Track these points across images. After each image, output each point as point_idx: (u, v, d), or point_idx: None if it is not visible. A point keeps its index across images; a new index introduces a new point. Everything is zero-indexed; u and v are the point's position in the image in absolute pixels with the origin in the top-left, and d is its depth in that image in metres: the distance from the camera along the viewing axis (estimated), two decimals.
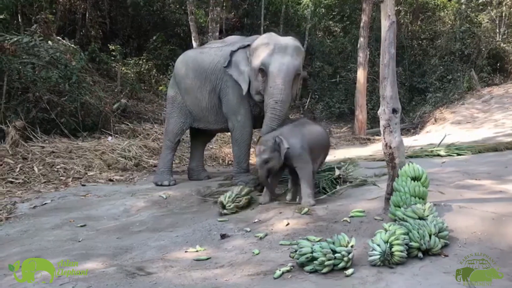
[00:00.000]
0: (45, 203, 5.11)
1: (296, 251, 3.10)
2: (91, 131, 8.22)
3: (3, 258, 3.55)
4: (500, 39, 15.24)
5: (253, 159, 5.32)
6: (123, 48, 12.73)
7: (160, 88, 12.23)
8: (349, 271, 2.95)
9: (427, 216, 3.36)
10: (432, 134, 10.38)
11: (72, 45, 9.72)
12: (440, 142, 7.35)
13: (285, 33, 9.89)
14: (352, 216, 3.84)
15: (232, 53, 5.33)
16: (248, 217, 4.34)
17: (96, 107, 8.61)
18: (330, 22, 17.20)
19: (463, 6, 15.61)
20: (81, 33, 12.49)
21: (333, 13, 17.09)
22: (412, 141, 9.06)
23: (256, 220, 4.16)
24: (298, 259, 3.06)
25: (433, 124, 11.90)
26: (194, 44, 10.56)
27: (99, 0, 13.47)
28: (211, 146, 8.43)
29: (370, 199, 4.26)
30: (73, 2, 12.64)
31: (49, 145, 6.98)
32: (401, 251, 2.99)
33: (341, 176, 5.03)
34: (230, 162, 7.69)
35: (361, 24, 11.67)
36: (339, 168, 5.20)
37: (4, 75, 7.19)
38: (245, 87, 5.19)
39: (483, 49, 14.43)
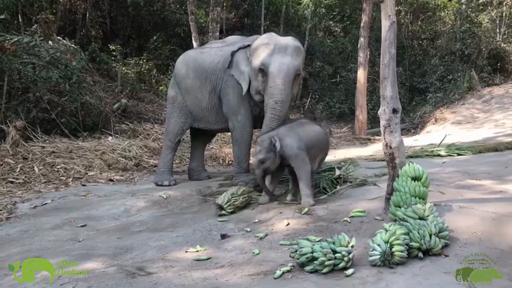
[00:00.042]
0: (45, 203, 5.11)
1: (296, 251, 3.10)
2: (92, 131, 8.22)
3: (4, 258, 3.55)
4: (500, 39, 15.23)
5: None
6: (123, 48, 12.74)
7: (161, 88, 12.23)
8: (350, 271, 2.95)
9: (428, 216, 3.36)
10: (433, 134, 10.38)
11: (73, 45, 9.73)
12: (441, 142, 7.35)
13: (285, 33, 9.89)
14: (352, 216, 3.84)
15: (233, 53, 5.33)
16: (248, 217, 4.34)
17: (96, 107, 8.61)
18: (331, 22, 17.20)
19: (464, 6, 15.60)
20: (82, 33, 12.49)
21: (334, 13, 17.09)
22: (412, 141, 9.07)
23: (256, 220, 4.16)
24: (298, 259, 3.06)
25: (434, 124, 11.90)
26: (195, 44, 10.56)
27: (99, 0, 13.48)
28: (211, 146, 8.43)
29: (370, 199, 4.26)
30: (73, 2, 12.64)
31: (49, 145, 6.98)
32: (402, 251, 2.99)
33: (341, 176, 5.03)
34: (230, 162, 7.69)
35: (362, 24, 11.67)
36: (339, 168, 5.20)
37: (5, 75, 7.19)
38: (245, 86, 5.19)
39: (484, 49, 14.43)
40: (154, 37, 13.25)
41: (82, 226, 4.44)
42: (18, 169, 6.10)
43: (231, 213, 4.45)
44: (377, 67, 11.90)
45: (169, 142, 6.06)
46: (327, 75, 15.09)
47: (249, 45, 5.30)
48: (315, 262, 3.00)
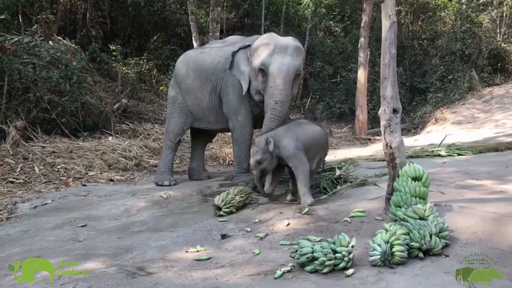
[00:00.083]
0: (45, 203, 5.11)
1: (296, 251, 3.10)
2: (92, 131, 8.22)
3: (4, 258, 3.56)
4: (500, 39, 15.23)
5: None
6: (123, 48, 12.75)
7: (161, 88, 12.24)
8: (350, 271, 2.95)
9: (428, 216, 3.36)
10: (433, 134, 10.38)
11: (73, 45, 9.72)
12: (441, 142, 7.35)
13: (285, 33, 9.90)
14: (352, 216, 3.84)
15: (234, 53, 5.33)
16: (249, 217, 4.34)
17: (96, 107, 8.61)
18: (331, 22, 17.20)
19: (464, 6, 15.59)
20: (82, 33, 12.49)
21: (334, 13, 17.09)
22: (412, 141, 9.07)
23: (256, 220, 4.16)
24: (298, 259, 3.06)
25: (434, 124, 11.90)
26: (195, 44, 10.57)
27: (99, 0, 13.48)
28: (211, 146, 8.43)
29: (370, 199, 4.26)
30: (73, 2, 12.64)
31: (49, 145, 6.98)
32: (402, 251, 2.99)
33: (341, 176, 5.03)
34: (230, 162, 7.69)
35: (362, 24, 11.67)
36: (339, 168, 5.20)
37: (5, 75, 7.19)
38: (245, 86, 5.19)
39: (484, 49, 14.42)
40: (155, 37, 13.26)
41: (82, 226, 4.44)
42: (18, 169, 6.10)
43: (229, 213, 4.45)
44: (377, 67, 11.90)
45: (170, 142, 6.06)
46: (328, 75, 15.09)
47: (249, 45, 5.30)
48: (315, 262, 3.00)
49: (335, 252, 3.01)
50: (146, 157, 7.46)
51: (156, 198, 5.27)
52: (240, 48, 5.35)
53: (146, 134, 8.60)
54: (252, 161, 4.52)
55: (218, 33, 11.11)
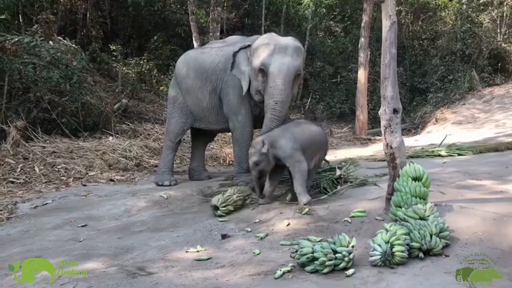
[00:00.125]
0: (46, 203, 5.11)
1: (297, 251, 3.10)
2: (92, 131, 8.22)
3: (4, 258, 3.56)
4: (501, 39, 15.22)
5: None
6: (124, 48, 12.76)
7: (161, 88, 12.24)
8: (350, 271, 2.95)
9: (428, 216, 3.36)
10: (433, 134, 10.38)
11: (73, 45, 9.73)
12: (441, 142, 7.35)
13: (286, 33, 9.90)
14: (353, 216, 3.84)
15: (235, 54, 5.33)
16: (249, 217, 4.34)
17: (97, 107, 8.61)
18: (331, 22, 17.20)
19: (464, 6, 15.59)
20: (82, 33, 12.50)
21: (334, 13, 17.09)
22: (413, 141, 9.06)
23: (256, 220, 4.16)
24: (299, 259, 3.06)
25: (434, 124, 11.89)
26: (195, 44, 10.58)
27: (100, 0, 13.48)
28: (212, 146, 8.43)
29: (371, 199, 4.26)
30: (74, 2, 12.65)
31: (50, 145, 6.99)
32: (402, 251, 2.99)
33: (342, 176, 5.03)
34: (230, 162, 7.69)
35: (362, 24, 11.67)
36: (340, 168, 5.20)
37: (5, 75, 7.19)
38: (246, 87, 5.18)
39: (484, 49, 14.42)
40: (155, 37, 13.27)
41: (82, 226, 4.44)
42: (18, 169, 6.10)
43: (227, 212, 4.45)
44: (377, 67, 11.91)
45: (170, 142, 6.06)
46: (328, 75, 15.09)
47: (249, 45, 5.30)
48: (315, 262, 3.00)
49: (335, 252, 3.01)
50: (147, 157, 7.46)
51: (157, 198, 5.27)
52: (240, 48, 5.35)
53: (147, 134, 8.60)
54: (249, 162, 4.55)
55: (218, 33, 11.12)
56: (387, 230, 3.20)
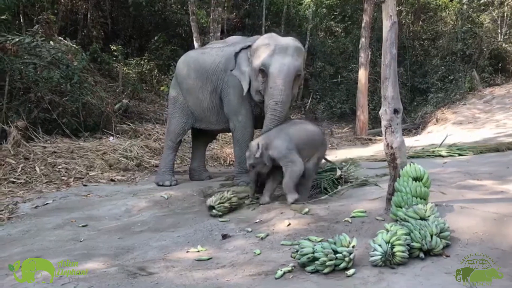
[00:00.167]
0: (46, 203, 5.12)
1: (297, 251, 3.10)
2: (93, 131, 8.22)
3: (5, 258, 3.56)
4: (501, 40, 15.22)
5: None
6: (124, 48, 12.76)
7: (162, 88, 12.24)
8: (351, 271, 2.95)
9: (429, 216, 3.36)
10: (434, 135, 10.38)
11: (74, 45, 9.74)
12: (442, 143, 7.35)
13: (286, 34, 9.90)
14: (353, 217, 3.84)
15: (236, 54, 5.33)
16: (249, 217, 4.34)
17: (97, 107, 8.61)
18: (332, 23, 17.20)
19: (465, 6, 15.59)
20: (83, 33, 12.51)
21: (335, 14, 17.09)
22: (413, 142, 9.06)
23: (257, 220, 4.17)
24: (299, 259, 3.06)
25: (435, 124, 11.89)
26: (196, 44, 10.58)
27: (100, 0, 13.49)
28: (212, 146, 8.44)
29: (371, 199, 4.26)
30: (74, 2, 12.67)
31: (50, 145, 6.99)
32: (403, 252, 2.99)
33: (342, 176, 5.04)
34: (231, 162, 7.69)
35: (363, 25, 11.67)
36: (340, 168, 5.20)
37: (6, 75, 7.19)
38: (246, 87, 5.18)
39: (485, 49, 14.41)
40: (155, 38, 13.27)
41: (83, 226, 4.44)
42: (19, 169, 6.10)
43: (223, 211, 4.46)
44: (378, 67, 11.91)
45: (171, 142, 6.06)
46: (328, 75, 15.09)
47: (250, 46, 5.30)
48: (316, 262, 3.00)
49: (336, 252, 3.01)
50: (147, 157, 7.47)
51: (157, 198, 5.27)
52: (241, 49, 5.35)
53: (147, 134, 8.61)
54: (247, 164, 4.60)
55: (219, 34, 11.13)
56: (387, 230, 3.20)
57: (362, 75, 11.56)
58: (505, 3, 15.30)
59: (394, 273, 2.92)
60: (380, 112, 3.85)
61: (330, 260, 2.98)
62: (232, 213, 4.50)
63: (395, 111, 3.74)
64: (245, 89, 5.19)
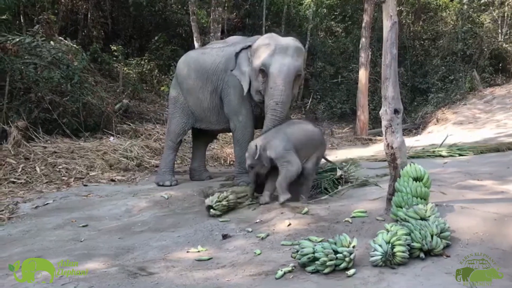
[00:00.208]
0: (47, 203, 5.12)
1: (297, 251, 3.10)
2: (93, 132, 8.22)
3: (5, 258, 3.56)
4: (502, 40, 15.21)
5: None
6: (125, 49, 12.76)
7: (162, 88, 12.24)
8: (351, 271, 2.95)
9: (429, 216, 3.36)
10: (434, 135, 10.37)
11: (74, 46, 9.73)
12: (442, 143, 7.35)
13: (286, 34, 9.90)
14: (354, 217, 3.84)
15: (237, 54, 5.33)
16: (250, 217, 4.34)
17: (98, 107, 8.62)
18: (332, 23, 17.18)
19: (465, 7, 15.58)
20: (83, 33, 12.51)
21: (335, 14, 17.07)
22: (414, 142, 9.06)
23: (257, 221, 4.16)
24: (299, 259, 3.06)
25: (435, 124, 11.88)
26: (196, 44, 10.58)
27: (101, 0, 13.49)
28: (212, 146, 8.44)
29: (372, 199, 4.26)
30: (75, 2, 12.67)
31: (51, 145, 6.99)
32: (403, 252, 2.99)
33: (343, 176, 5.04)
34: (231, 163, 7.69)
35: (363, 25, 11.67)
36: (341, 168, 5.20)
37: (7, 76, 7.20)
38: (246, 87, 5.19)
39: (485, 49, 14.39)
40: (156, 38, 13.26)
41: (83, 226, 4.44)
42: (20, 169, 6.10)
43: (222, 210, 4.46)
44: (378, 67, 11.91)
45: (171, 143, 6.06)
46: (329, 75, 15.08)
47: (250, 46, 5.30)
48: (316, 262, 3.00)
49: (336, 252, 3.01)
50: (147, 157, 7.47)
51: (157, 198, 5.28)
52: (242, 49, 5.35)
53: (148, 134, 8.61)
54: (246, 165, 4.62)
55: (219, 34, 11.13)
56: (388, 231, 3.19)
57: (363, 75, 11.56)
58: (506, 3, 15.29)
59: (395, 273, 2.92)
60: (380, 112, 3.85)
61: (331, 260, 2.98)
62: (232, 213, 4.50)
63: (396, 111, 3.74)
64: (245, 89, 5.19)
